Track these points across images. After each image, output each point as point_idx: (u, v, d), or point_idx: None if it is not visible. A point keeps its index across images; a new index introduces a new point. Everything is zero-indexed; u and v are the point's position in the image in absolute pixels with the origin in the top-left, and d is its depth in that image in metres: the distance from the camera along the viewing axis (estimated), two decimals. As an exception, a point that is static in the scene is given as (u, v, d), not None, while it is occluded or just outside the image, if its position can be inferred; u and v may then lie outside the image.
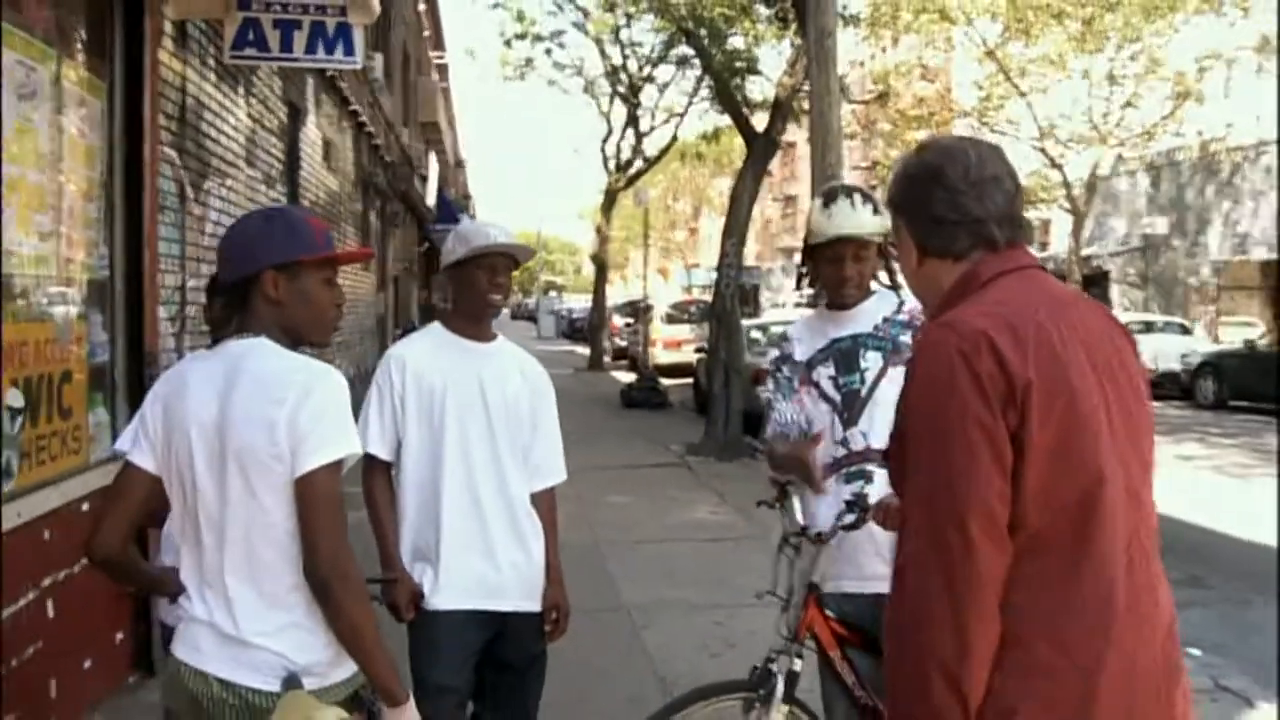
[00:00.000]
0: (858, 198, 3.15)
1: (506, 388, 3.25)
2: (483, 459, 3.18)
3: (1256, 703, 5.02)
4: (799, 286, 3.41)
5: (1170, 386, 19.87)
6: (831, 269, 3.20)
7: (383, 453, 3.20)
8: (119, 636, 4.98)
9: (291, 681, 2.16)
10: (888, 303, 3.25)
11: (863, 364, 3.17)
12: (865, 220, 3.13)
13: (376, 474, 3.23)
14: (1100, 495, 1.78)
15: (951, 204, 1.92)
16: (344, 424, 2.20)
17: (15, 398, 4.09)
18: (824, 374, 3.23)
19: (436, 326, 3.34)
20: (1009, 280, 1.90)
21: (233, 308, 2.33)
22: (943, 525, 1.72)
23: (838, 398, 3.19)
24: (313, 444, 2.13)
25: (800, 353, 3.30)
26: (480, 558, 3.16)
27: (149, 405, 2.33)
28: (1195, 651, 5.70)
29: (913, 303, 3.15)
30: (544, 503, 3.34)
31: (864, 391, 3.15)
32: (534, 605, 3.26)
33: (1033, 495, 1.74)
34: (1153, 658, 1.84)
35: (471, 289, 3.20)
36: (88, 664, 4.62)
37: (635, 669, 5.53)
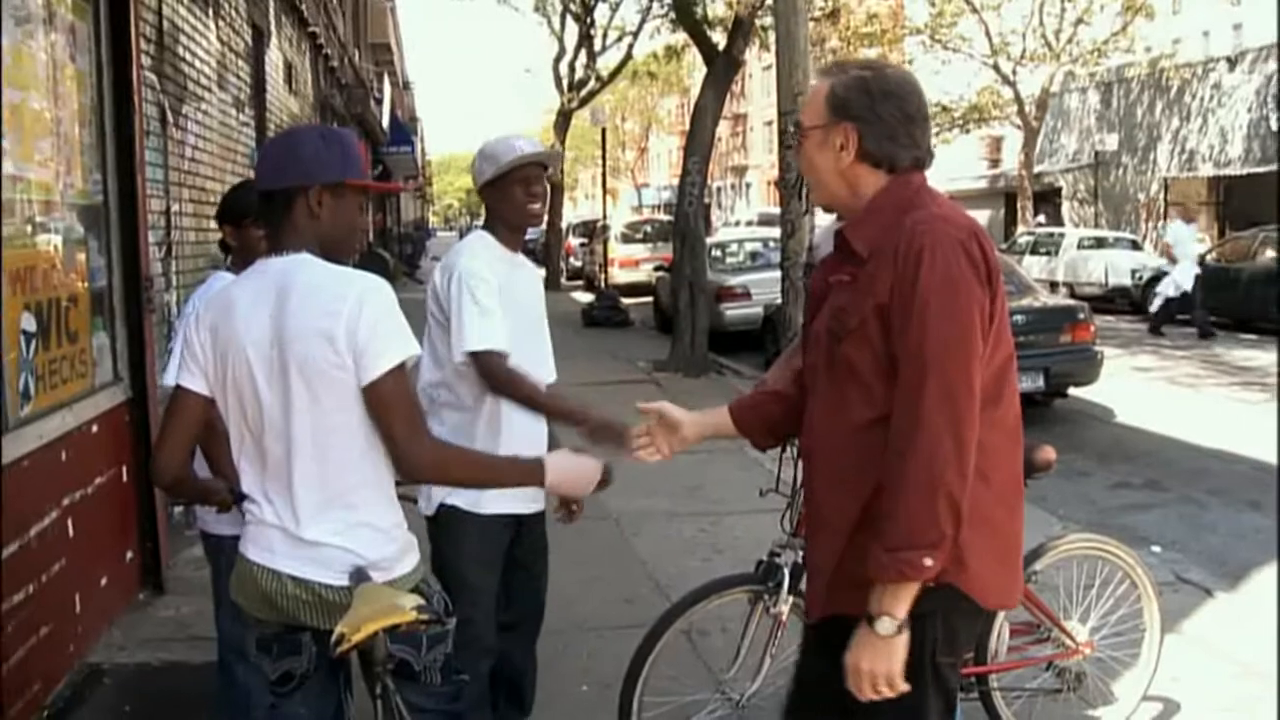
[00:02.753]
0: None
1: (538, 295, 3.42)
2: (532, 362, 3.27)
3: (1215, 593, 5.33)
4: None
5: (1121, 301, 20.26)
6: None
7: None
8: (129, 555, 5.11)
9: (361, 575, 2.27)
10: None
11: None
12: None
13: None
14: (1009, 365, 2.21)
15: (906, 129, 2.24)
16: (400, 329, 2.28)
17: (29, 321, 4.15)
18: None
19: (489, 238, 3.29)
20: (931, 190, 2.25)
21: (269, 216, 2.38)
22: (955, 380, 2.05)
23: None
24: (374, 352, 2.22)
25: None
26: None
27: (194, 331, 2.37)
28: (1156, 548, 6.01)
29: None
30: None
31: None
32: (542, 505, 3.39)
33: (985, 359, 2.11)
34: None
35: (510, 204, 3.24)
36: (103, 580, 4.75)
37: (629, 573, 5.74)
